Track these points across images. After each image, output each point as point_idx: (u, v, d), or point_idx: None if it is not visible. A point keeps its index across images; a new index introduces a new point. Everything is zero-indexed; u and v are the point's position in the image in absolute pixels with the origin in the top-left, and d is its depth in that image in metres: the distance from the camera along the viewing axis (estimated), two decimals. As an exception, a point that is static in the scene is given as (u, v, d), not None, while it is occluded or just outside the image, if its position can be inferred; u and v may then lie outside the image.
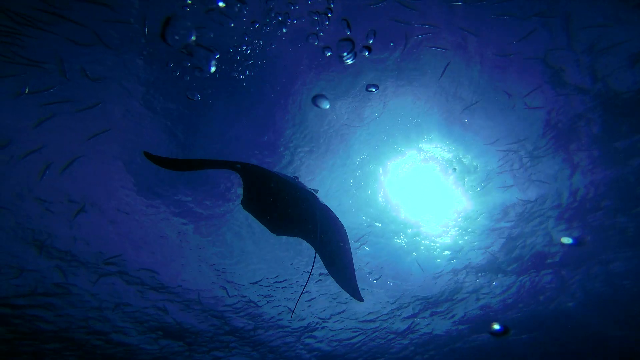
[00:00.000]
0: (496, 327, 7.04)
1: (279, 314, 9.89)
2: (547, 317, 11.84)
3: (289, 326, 10.39)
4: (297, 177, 4.76)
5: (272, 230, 4.24)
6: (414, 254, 8.50)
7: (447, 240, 8.27)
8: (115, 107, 5.48)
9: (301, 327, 10.48)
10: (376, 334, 11.25)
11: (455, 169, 6.89)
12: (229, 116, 5.97)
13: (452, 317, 11.02)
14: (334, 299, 9.51)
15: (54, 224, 6.65)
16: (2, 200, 6.11)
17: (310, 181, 7.07)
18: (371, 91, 5.74)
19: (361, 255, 8.55)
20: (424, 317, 10.78)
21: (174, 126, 5.90)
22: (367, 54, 4.94)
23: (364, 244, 8.28)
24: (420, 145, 6.68)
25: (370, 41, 4.81)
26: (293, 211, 3.97)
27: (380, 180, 7.17)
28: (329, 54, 4.91)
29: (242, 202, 4.04)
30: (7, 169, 5.73)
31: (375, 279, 9.26)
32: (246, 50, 4.88)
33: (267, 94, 5.75)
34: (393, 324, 10.90)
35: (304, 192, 3.77)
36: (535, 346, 13.73)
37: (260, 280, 8.85)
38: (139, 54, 4.84)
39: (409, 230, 7.96)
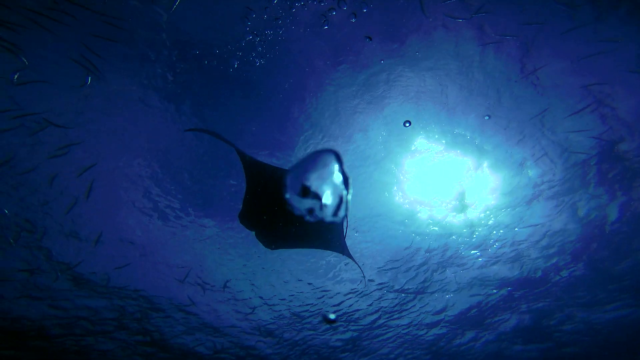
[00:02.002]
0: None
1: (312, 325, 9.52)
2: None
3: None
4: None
5: (269, 243, 4.00)
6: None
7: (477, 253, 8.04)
8: (133, 121, 5.23)
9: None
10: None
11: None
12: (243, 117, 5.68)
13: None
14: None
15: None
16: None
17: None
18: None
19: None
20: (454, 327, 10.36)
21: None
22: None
23: (397, 260, 8.01)
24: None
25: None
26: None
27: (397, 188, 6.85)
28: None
29: (240, 214, 3.71)
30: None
31: (403, 293, 8.91)
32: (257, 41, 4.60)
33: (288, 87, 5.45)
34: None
35: None
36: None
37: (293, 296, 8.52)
38: (162, 63, 4.61)
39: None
